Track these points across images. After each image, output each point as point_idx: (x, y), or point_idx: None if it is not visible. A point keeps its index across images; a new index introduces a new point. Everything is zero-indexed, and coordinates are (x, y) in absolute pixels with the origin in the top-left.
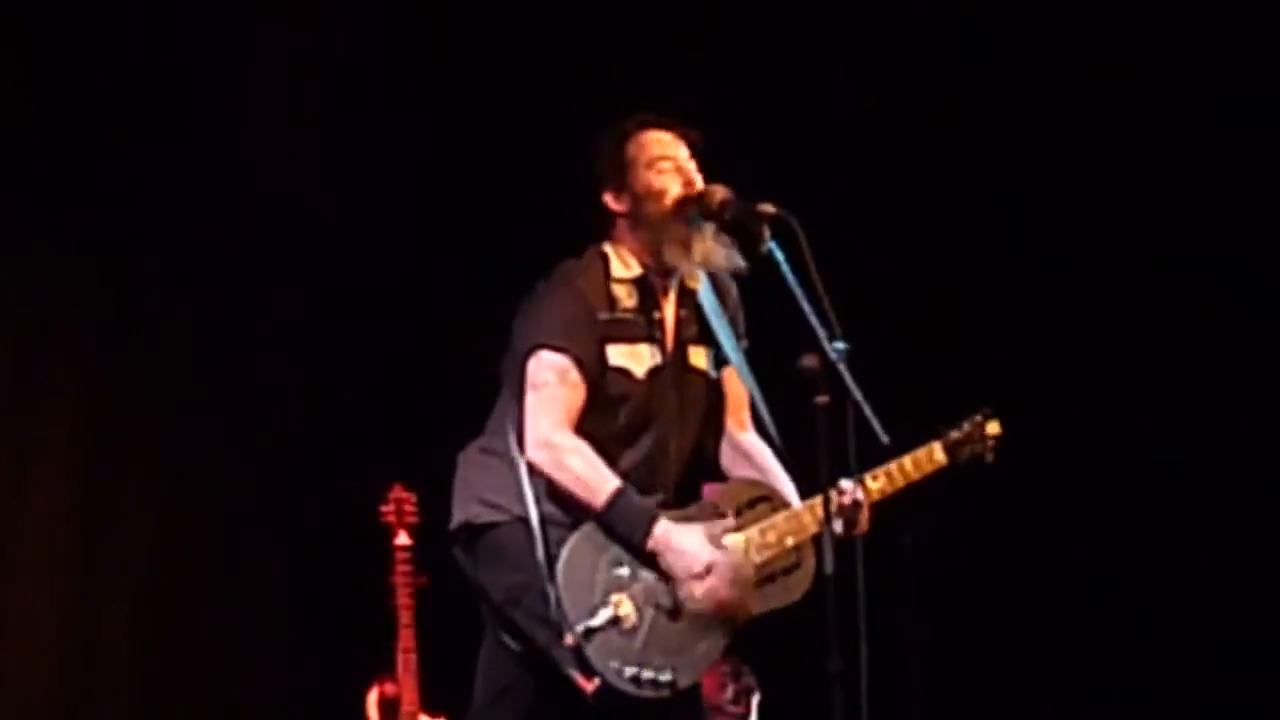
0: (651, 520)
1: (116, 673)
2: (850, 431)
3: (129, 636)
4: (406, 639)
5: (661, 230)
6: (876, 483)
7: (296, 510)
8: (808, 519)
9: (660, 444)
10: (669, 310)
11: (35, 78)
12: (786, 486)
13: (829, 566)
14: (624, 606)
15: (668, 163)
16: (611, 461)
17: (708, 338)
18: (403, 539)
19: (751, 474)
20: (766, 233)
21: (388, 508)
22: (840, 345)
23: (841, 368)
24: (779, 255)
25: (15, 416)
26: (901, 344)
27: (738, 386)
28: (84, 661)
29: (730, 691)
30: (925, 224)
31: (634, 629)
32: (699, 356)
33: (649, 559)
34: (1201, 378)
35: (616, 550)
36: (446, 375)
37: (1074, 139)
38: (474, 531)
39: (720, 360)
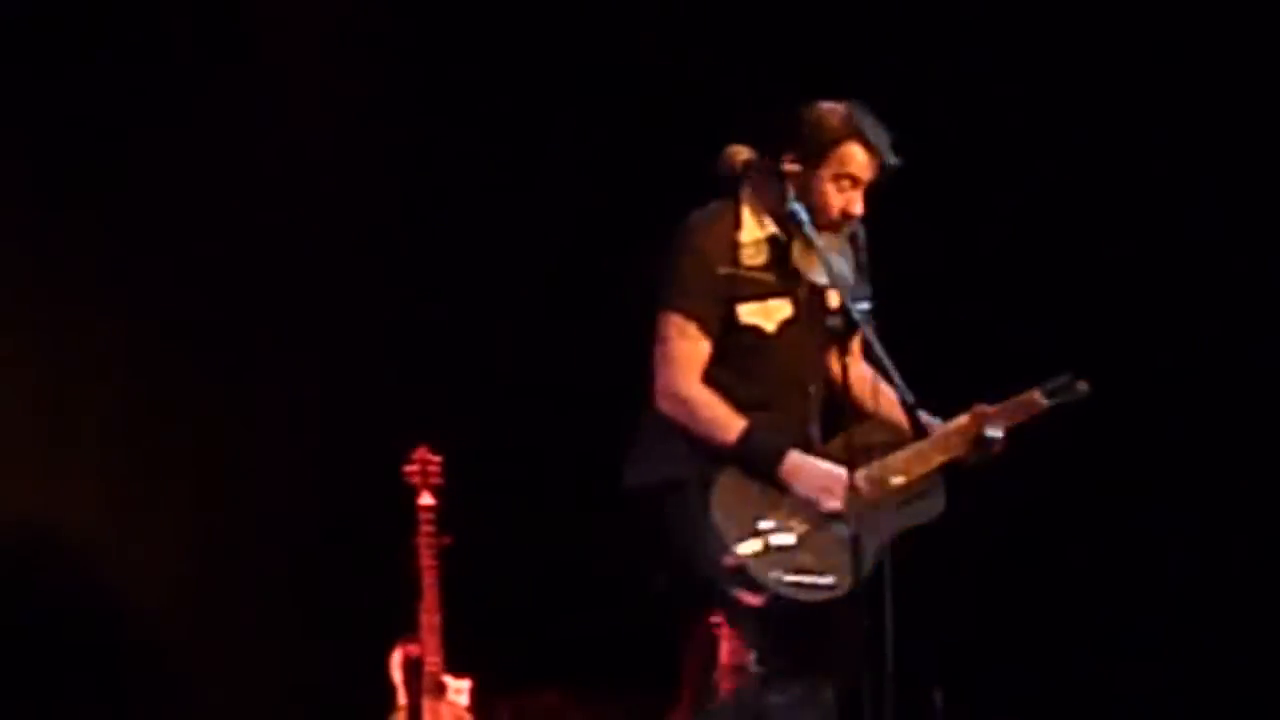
0: (781, 453)
1: (143, 630)
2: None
3: (154, 595)
4: (430, 600)
5: (800, 234)
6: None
7: (321, 471)
8: (930, 452)
9: (798, 388)
10: (817, 256)
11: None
12: (897, 414)
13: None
14: (778, 522)
15: (852, 187)
16: (751, 408)
17: (841, 280)
18: (427, 499)
19: (869, 404)
20: (791, 192)
21: (412, 468)
22: (864, 305)
23: (866, 328)
24: (803, 215)
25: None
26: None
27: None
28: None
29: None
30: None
31: (788, 543)
32: (835, 297)
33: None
34: (1230, 371)
35: (752, 478)
36: (473, 337)
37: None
38: (643, 495)
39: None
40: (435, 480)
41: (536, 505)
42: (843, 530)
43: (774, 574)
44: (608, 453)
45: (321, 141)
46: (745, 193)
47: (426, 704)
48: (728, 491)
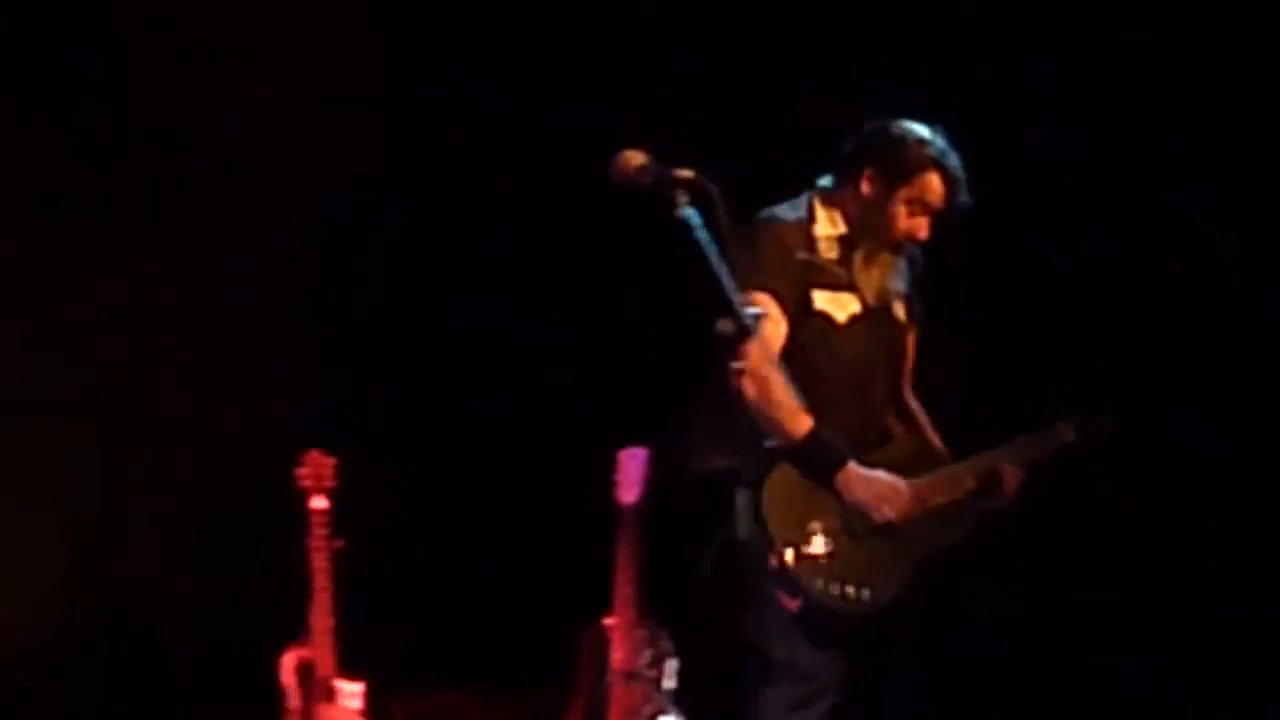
0: (843, 460)
1: (31, 633)
2: None
3: (39, 598)
4: (322, 603)
5: (866, 245)
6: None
7: (213, 474)
8: (963, 476)
9: (860, 392)
10: (877, 271)
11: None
12: (929, 432)
13: (743, 532)
14: (824, 530)
15: (922, 213)
16: (814, 405)
17: (902, 294)
18: (319, 503)
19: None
20: (682, 198)
21: (305, 471)
22: (755, 310)
23: (755, 333)
24: (695, 221)
25: None
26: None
27: (911, 348)
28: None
29: (647, 656)
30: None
31: (833, 551)
32: (900, 309)
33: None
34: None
35: (803, 480)
36: (365, 338)
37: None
38: (699, 482)
39: (914, 317)
40: (328, 483)
41: (430, 508)
42: (882, 545)
43: (817, 581)
44: (499, 453)
45: (215, 137)
46: (818, 191)
47: (318, 708)
48: (778, 490)
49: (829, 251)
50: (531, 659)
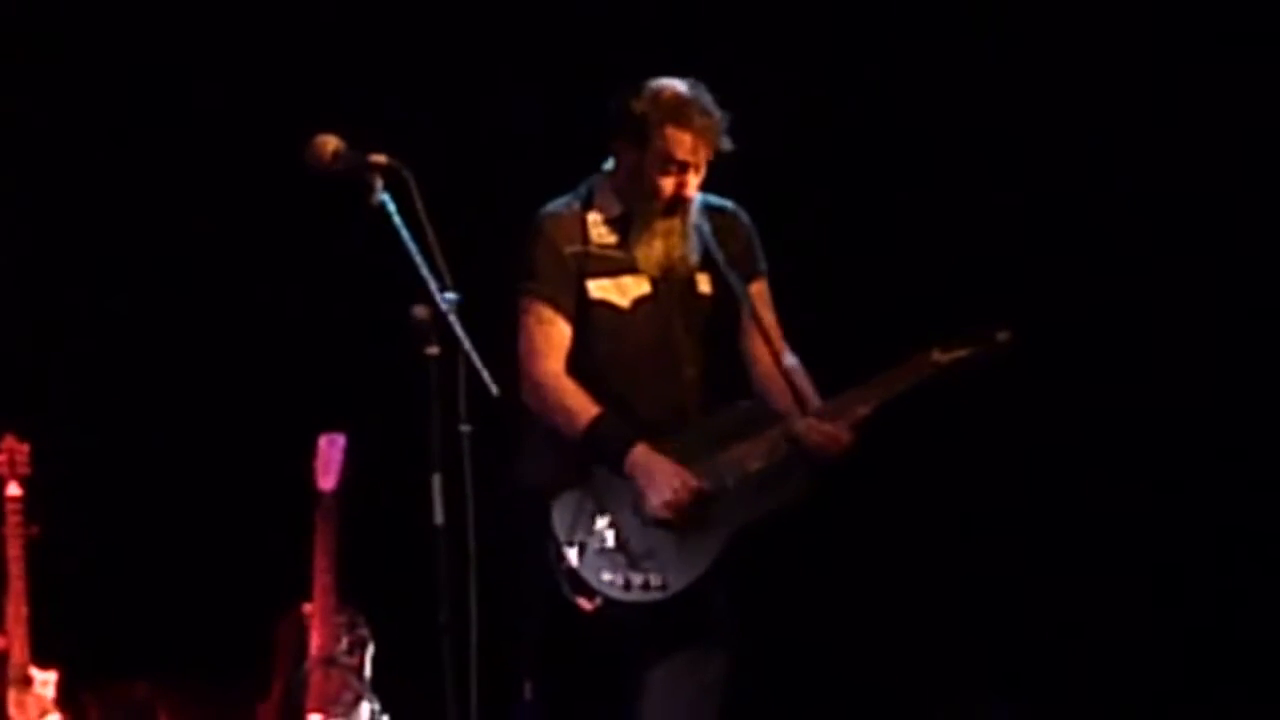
0: (629, 444)
1: None
2: (461, 381)
3: None
4: (16, 591)
5: (639, 216)
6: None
7: None
8: (778, 439)
9: (669, 371)
10: (659, 241)
11: None
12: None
13: (439, 517)
14: (610, 522)
15: (679, 171)
16: (620, 394)
17: (713, 264)
18: (14, 490)
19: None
20: (379, 183)
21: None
22: (451, 296)
23: (452, 319)
24: (390, 206)
25: None
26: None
27: (759, 315)
28: None
29: (345, 643)
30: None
31: (623, 543)
32: (705, 282)
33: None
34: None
35: (602, 475)
36: (59, 322)
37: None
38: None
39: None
40: (23, 470)
41: (124, 495)
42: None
43: (604, 576)
44: (195, 438)
45: None
46: (603, 174)
47: (12, 696)
48: (573, 492)
49: (603, 237)
50: (229, 646)
